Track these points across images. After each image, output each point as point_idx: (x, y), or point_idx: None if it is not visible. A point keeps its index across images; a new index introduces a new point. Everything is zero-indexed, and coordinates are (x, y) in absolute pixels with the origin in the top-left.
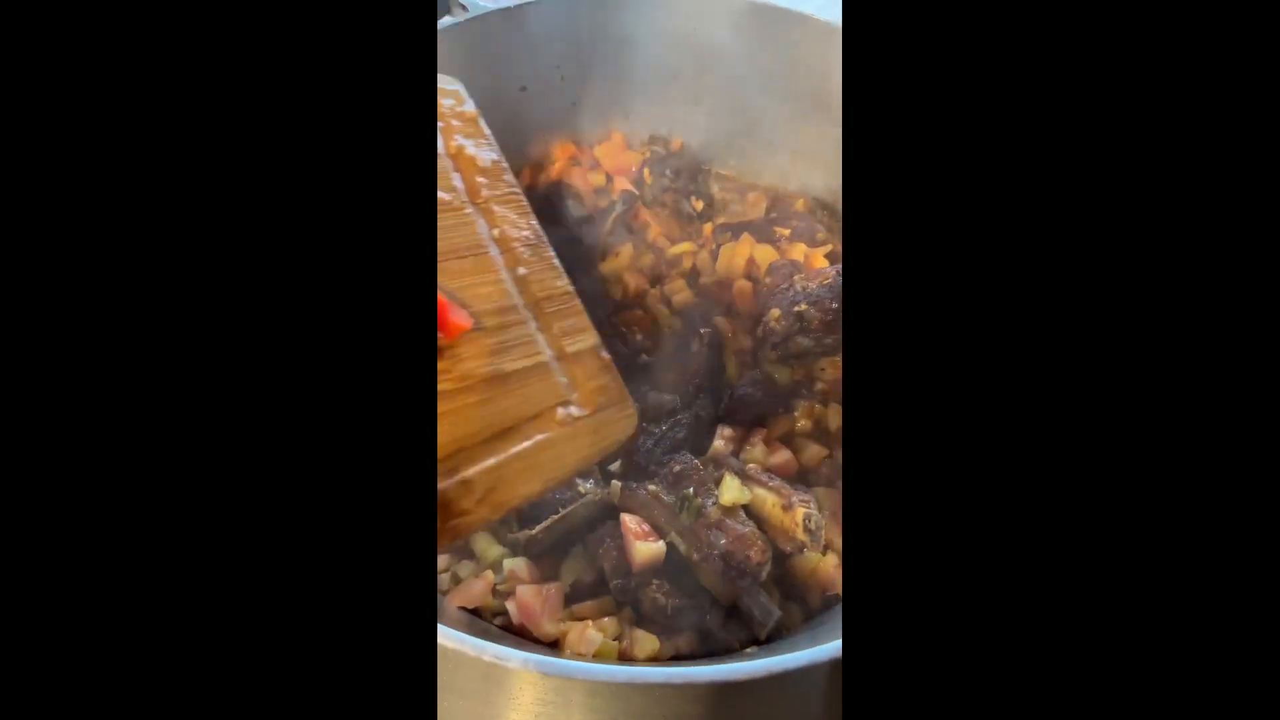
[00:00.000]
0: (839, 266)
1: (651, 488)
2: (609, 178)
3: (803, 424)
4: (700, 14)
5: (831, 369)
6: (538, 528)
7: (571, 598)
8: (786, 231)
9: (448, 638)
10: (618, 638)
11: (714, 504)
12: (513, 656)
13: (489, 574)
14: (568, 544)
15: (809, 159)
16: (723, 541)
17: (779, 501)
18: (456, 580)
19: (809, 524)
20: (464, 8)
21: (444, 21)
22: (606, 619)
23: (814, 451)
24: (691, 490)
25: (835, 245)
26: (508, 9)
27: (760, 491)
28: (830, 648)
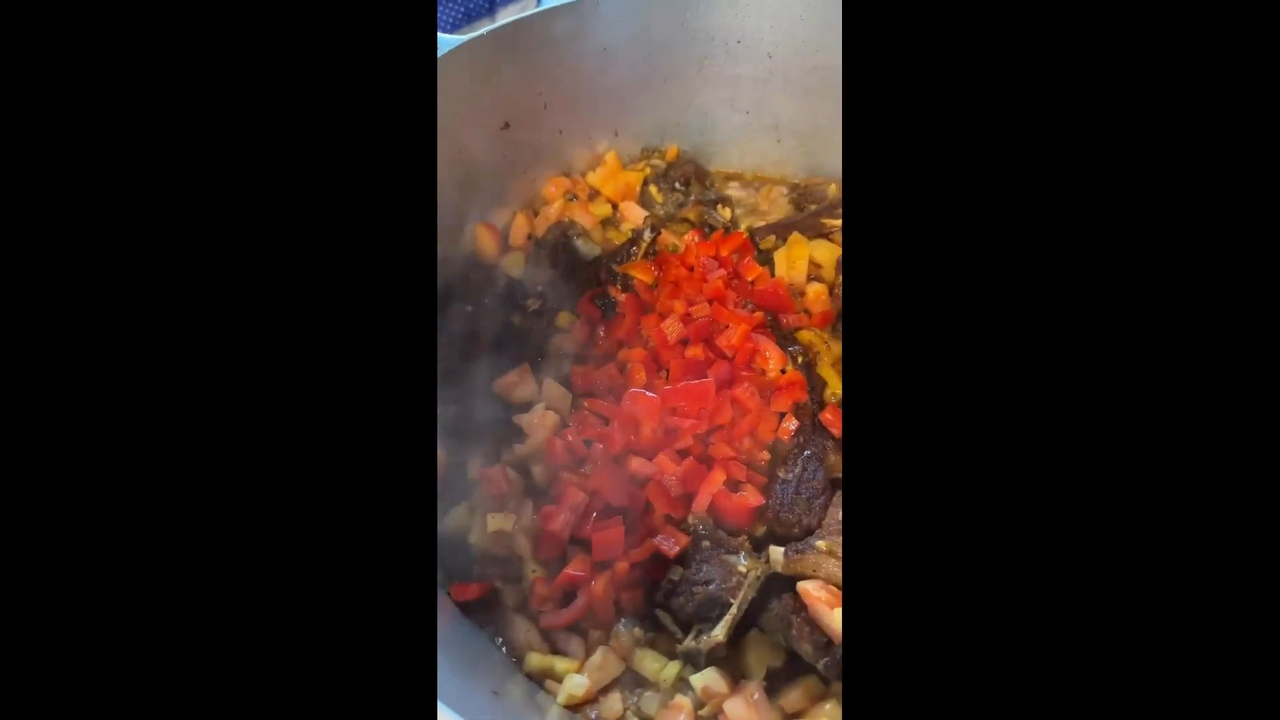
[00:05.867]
0: None
1: (820, 545)
2: (614, 205)
3: None
4: (676, 6)
5: None
6: (718, 628)
7: (769, 690)
8: (837, 223)
9: None
10: None
11: None
12: None
13: (681, 700)
14: (739, 633)
15: (818, 140)
16: None
17: None
18: (645, 718)
19: None
20: None
21: None
22: (829, 704)
23: None
24: None
25: None
26: (474, 39)
27: None
28: None
